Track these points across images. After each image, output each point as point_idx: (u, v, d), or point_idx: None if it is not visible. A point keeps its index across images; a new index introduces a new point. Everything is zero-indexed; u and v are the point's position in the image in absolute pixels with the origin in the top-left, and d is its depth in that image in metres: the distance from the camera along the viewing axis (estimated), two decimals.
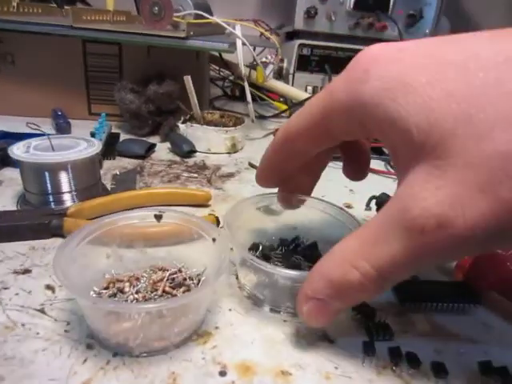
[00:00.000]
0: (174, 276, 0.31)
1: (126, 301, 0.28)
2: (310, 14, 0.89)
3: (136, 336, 0.25)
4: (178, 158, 0.58)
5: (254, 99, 0.94)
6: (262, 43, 0.86)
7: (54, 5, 0.83)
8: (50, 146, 0.41)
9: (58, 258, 0.26)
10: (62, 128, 0.64)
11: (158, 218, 0.32)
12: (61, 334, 0.26)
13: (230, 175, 0.54)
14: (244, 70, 0.88)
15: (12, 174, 0.49)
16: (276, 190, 0.36)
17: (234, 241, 0.29)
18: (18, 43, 0.67)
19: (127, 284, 0.30)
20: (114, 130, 0.65)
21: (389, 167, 0.62)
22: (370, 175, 0.59)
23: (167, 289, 0.30)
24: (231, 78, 0.99)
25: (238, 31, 0.62)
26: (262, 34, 0.90)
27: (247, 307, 0.30)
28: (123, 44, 0.68)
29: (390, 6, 0.89)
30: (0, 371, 0.23)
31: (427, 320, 0.30)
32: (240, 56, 0.63)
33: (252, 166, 0.57)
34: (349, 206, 0.48)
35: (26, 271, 0.32)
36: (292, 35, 0.96)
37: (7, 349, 0.24)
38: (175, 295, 0.29)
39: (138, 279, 0.31)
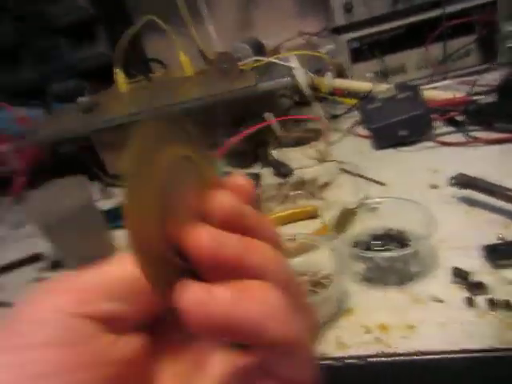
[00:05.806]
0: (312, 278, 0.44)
1: None
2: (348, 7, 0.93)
3: None
4: (282, 180, 0.71)
5: (321, 101, 1.03)
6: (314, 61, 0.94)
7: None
8: None
9: None
10: None
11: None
12: None
13: (327, 184, 0.65)
14: (307, 91, 0.97)
15: None
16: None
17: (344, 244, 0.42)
18: None
19: None
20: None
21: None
22: (451, 149, 0.65)
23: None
24: None
25: (293, 63, 0.73)
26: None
27: (367, 286, 0.42)
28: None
29: None
30: None
31: None
32: (303, 83, 0.73)
33: (344, 171, 0.68)
34: (435, 187, 0.56)
35: None
36: (337, 30, 1.01)
37: None
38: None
39: None
